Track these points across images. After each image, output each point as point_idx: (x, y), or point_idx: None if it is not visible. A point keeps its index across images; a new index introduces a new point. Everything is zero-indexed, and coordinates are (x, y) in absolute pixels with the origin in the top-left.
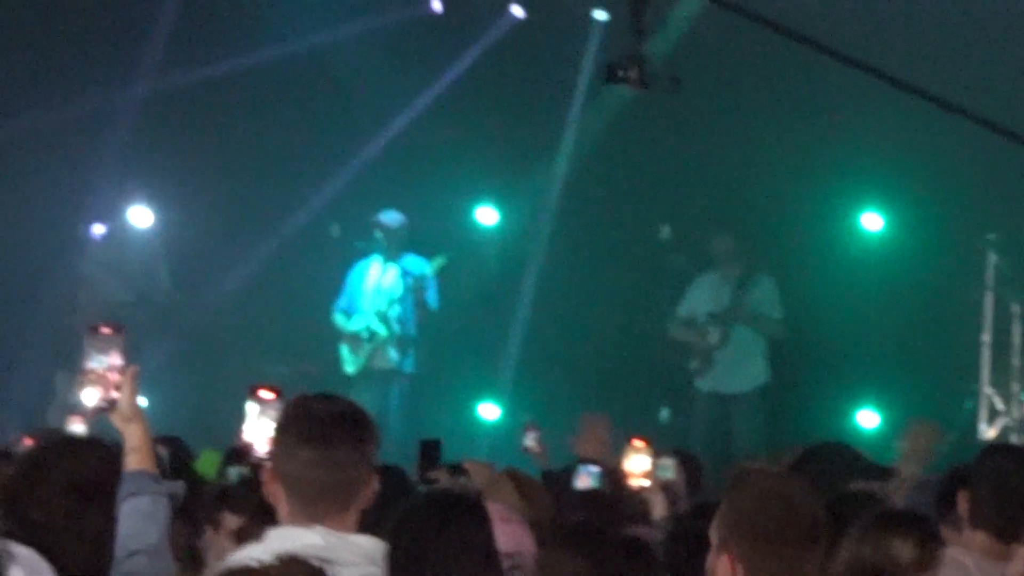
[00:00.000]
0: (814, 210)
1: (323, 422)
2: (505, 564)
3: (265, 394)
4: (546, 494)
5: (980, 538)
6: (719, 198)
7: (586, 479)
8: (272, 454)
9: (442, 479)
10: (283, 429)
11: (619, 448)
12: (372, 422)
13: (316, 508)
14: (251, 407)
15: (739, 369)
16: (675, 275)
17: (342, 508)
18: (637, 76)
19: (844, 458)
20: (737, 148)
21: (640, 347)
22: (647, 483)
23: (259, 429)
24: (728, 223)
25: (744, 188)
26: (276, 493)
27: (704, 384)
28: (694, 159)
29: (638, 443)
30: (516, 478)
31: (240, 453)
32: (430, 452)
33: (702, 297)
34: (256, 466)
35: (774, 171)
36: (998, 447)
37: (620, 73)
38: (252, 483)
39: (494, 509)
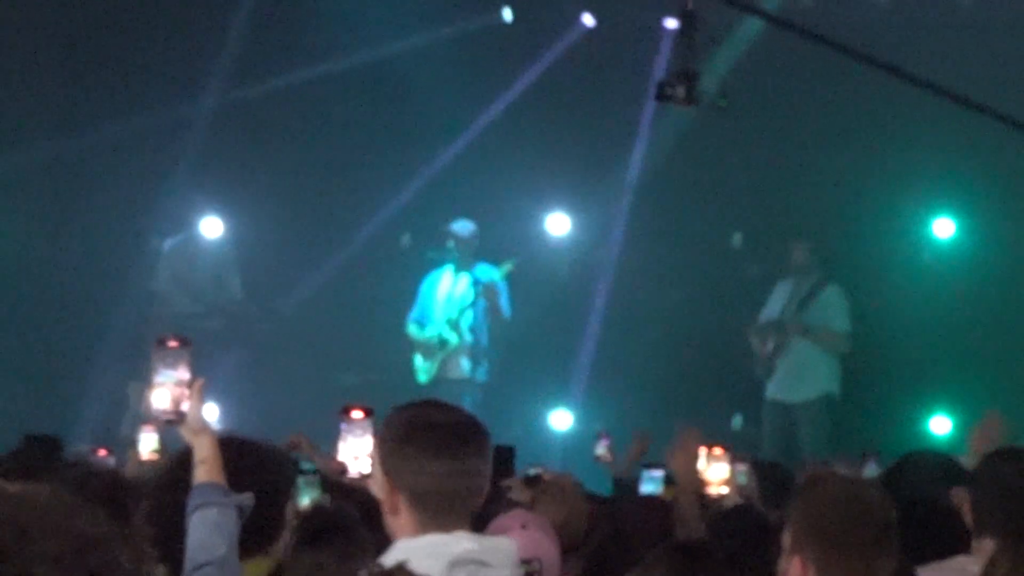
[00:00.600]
0: (885, 217)
1: (451, 433)
2: (520, 571)
3: (356, 414)
4: (581, 503)
5: (989, 545)
6: (791, 207)
7: (651, 485)
8: (392, 468)
9: (515, 488)
10: (405, 441)
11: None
12: (485, 426)
13: (446, 517)
14: (344, 427)
15: (800, 378)
16: (748, 283)
17: (469, 514)
18: (684, 94)
19: (940, 466)
20: (808, 157)
21: (712, 354)
22: (726, 491)
23: (351, 449)
24: (800, 231)
25: (815, 196)
26: (396, 505)
27: (769, 391)
28: (765, 168)
29: (717, 451)
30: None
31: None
32: (503, 460)
33: (775, 304)
34: (338, 483)
35: (845, 179)
36: (998, 452)
37: (667, 91)
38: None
39: (516, 516)
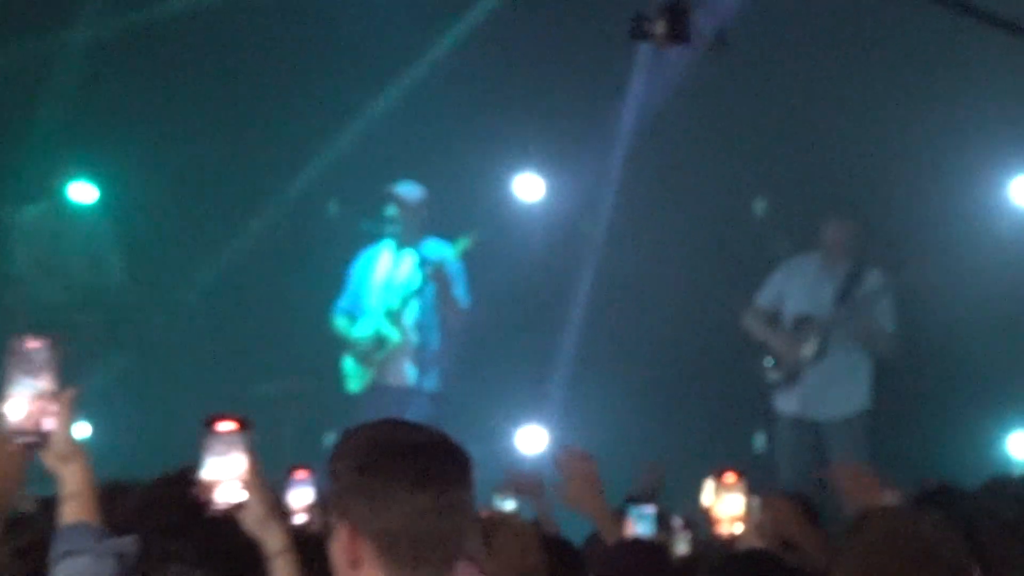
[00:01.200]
0: (947, 178)
1: (431, 456)
2: None
3: (224, 425)
4: (535, 547)
5: None
6: (826, 165)
7: (641, 525)
8: (352, 507)
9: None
10: (371, 471)
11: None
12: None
13: (424, 567)
14: (208, 443)
15: (834, 391)
16: (774, 263)
17: (452, 563)
18: (665, 31)
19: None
20: (847, 106)
21: (729, 357)
22: (741, 529)
23: (216, 471)
24: (838, 198)
25: (856, 153)
26: (358, 556)
27: (787, 404)
28: (794, 119)
29: (729, 477)
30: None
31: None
32: None
33: (795, 289)
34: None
35: (894, 132)
36: (991, 486)
37: (645, 27)
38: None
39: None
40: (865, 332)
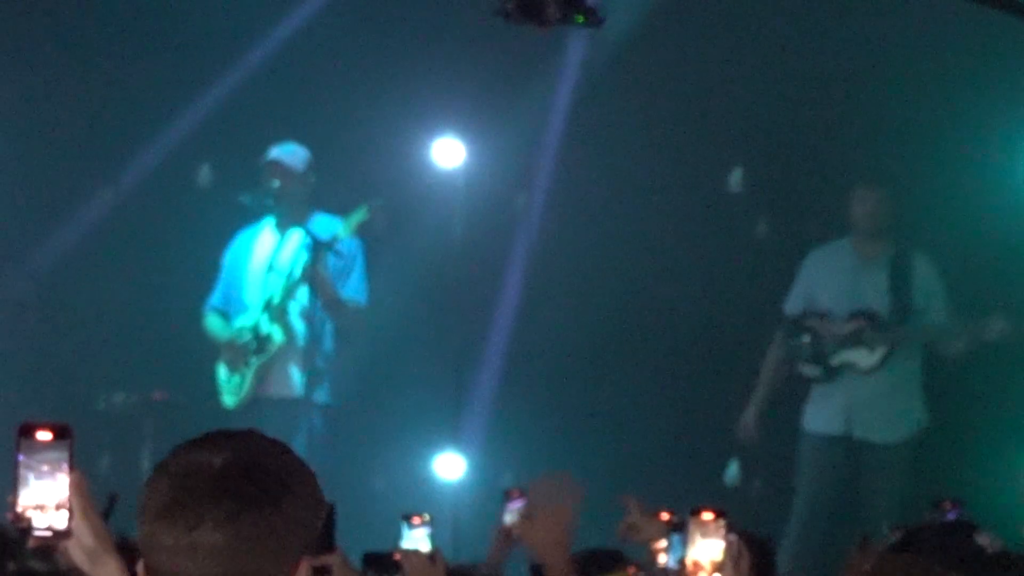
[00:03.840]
0: (986, 148)
1: (187, 484)
2: None
3: (42, 434)
4: None
5: None
6: (820, 128)
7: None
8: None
9: (338, 571)
10: (144, 493)
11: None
12: (292, 473)
13: None
14: (23, 458)
15: (887, 407)
16: (752, 250)
17: None
18: (516, 7)
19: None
20: (847, 56)
21: (693, 365)
22: None
23: (37, 494)
24: (833, 167)
25: (858, 114)
26: None
27: (821, 420)
28: (782, 69)
29: (707, 516)
30: None
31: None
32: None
33: (830, 286)
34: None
35: (920, 90)
36: None
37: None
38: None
39: None
40: (934, 332)
